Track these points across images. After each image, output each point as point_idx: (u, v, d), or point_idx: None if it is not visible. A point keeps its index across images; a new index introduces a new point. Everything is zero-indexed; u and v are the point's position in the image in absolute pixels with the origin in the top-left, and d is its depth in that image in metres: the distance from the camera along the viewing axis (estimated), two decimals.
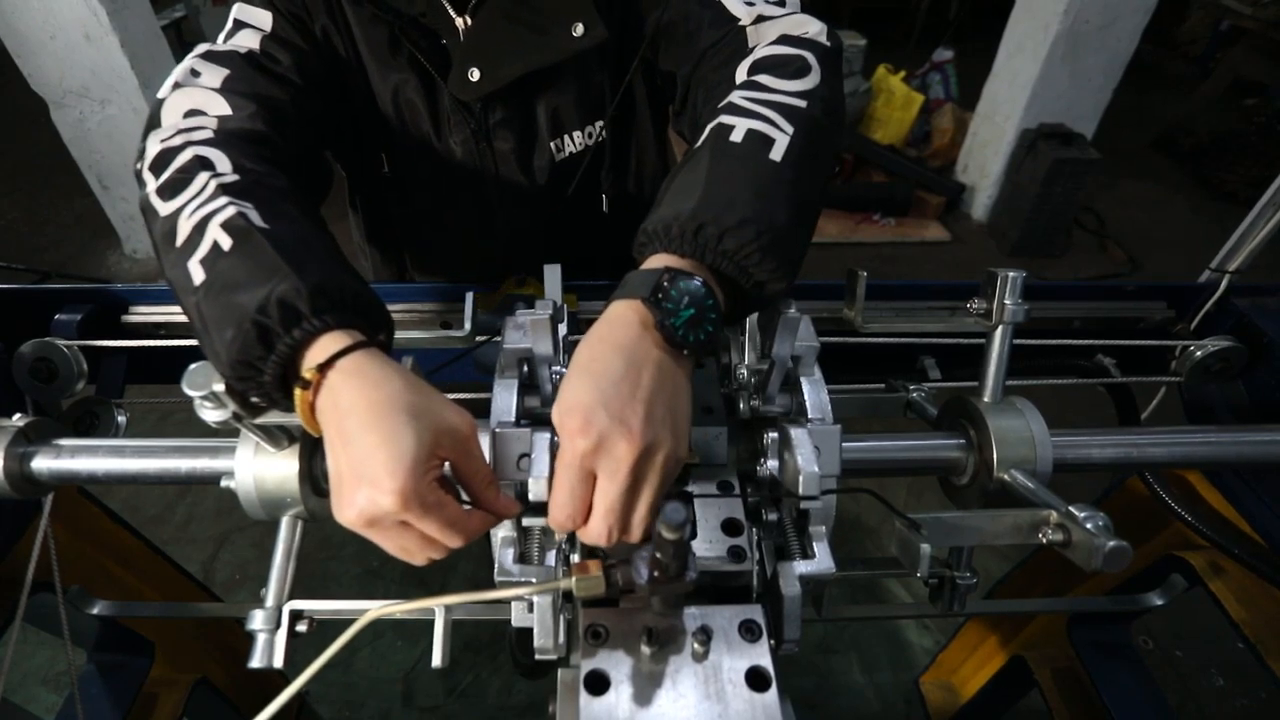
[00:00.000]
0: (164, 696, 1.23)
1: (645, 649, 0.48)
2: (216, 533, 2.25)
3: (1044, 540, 0.55)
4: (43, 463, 0.65)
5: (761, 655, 0.49)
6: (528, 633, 0.52)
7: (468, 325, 0.78)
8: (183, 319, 0.91)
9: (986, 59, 3.66)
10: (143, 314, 0.92)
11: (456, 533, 0.48)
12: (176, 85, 0.70)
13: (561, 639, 0.53)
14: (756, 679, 0.47)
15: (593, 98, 0.90)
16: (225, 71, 0.71)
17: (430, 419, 0.48)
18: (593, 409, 0.46)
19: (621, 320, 0.51)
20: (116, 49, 2.85)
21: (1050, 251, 3.67)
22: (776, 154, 0.57)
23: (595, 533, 0.48)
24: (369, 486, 0.45)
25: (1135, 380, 0.94)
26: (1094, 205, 3.92)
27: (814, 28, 0.71)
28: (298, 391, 0.49)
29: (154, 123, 0.69)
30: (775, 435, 0.63)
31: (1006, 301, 0.67)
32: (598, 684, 0.47)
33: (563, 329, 0.69)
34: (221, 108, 0.68)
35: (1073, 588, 1.29)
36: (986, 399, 0.69)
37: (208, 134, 0.65)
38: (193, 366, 0.49)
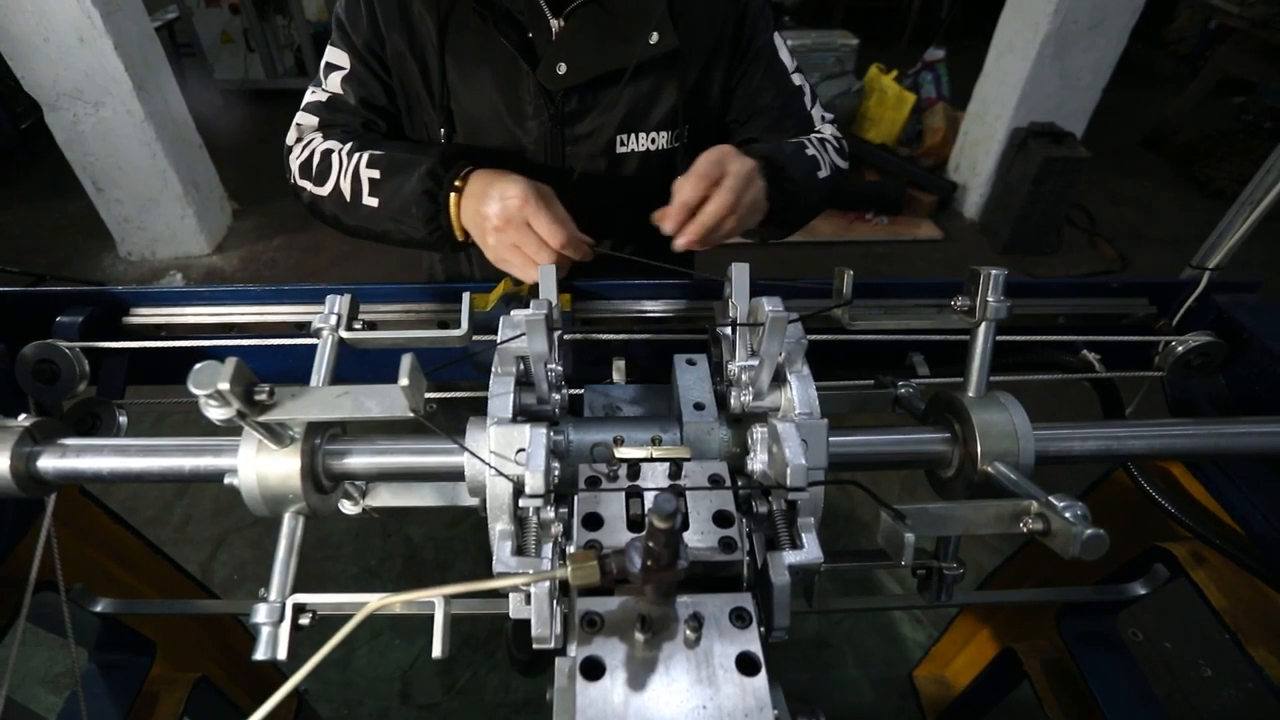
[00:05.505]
0: (165, 695, 1.24)
1: (639, 636, 0.49)
2: (214, 534, 2.26)
3: (1024, 529, 0.57)
4: (48, 462, 0.66)
5: (751, 641, 0.50)
6: (525, 628, 0.54)
7: (464, 324, 0.79)
8: (183, 320, 0.93)
9: (977, 58, 3.70)
10: (143, 316, 0.93)
11: (560, 229, 0.82)
12: (297, 139, 1.06)
13: (558, 629, 0.55)
14: (746, 664, 0.49)
15: (664, 109, 1.07)
16: (316, 119, 1.07)
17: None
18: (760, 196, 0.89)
19: (751, 169, 0.89)
20: (110, 51, 2.85)
21: (1041, 249, 3.71)
22: (821, 174, 1.05)
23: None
24: (500, 198, 0.83)
25: (1119, 375, 0.96)
26: (1084, 203, 3.95)
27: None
28: (452, 196, 0.89)
29: (287, 156, 1.06)
30: (765, 430, 0.64)
31: (989, 299, 0.68)
32: (593, 670, 0.49)
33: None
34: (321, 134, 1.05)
35: (1060, 580, 1.31)
36: (971, 394, 0.70)
37: (318, 139, 1.03)
38: (198, 366, 0.50)
